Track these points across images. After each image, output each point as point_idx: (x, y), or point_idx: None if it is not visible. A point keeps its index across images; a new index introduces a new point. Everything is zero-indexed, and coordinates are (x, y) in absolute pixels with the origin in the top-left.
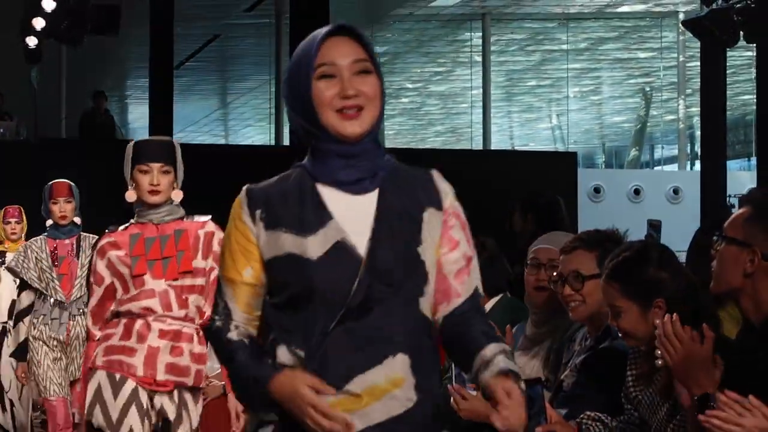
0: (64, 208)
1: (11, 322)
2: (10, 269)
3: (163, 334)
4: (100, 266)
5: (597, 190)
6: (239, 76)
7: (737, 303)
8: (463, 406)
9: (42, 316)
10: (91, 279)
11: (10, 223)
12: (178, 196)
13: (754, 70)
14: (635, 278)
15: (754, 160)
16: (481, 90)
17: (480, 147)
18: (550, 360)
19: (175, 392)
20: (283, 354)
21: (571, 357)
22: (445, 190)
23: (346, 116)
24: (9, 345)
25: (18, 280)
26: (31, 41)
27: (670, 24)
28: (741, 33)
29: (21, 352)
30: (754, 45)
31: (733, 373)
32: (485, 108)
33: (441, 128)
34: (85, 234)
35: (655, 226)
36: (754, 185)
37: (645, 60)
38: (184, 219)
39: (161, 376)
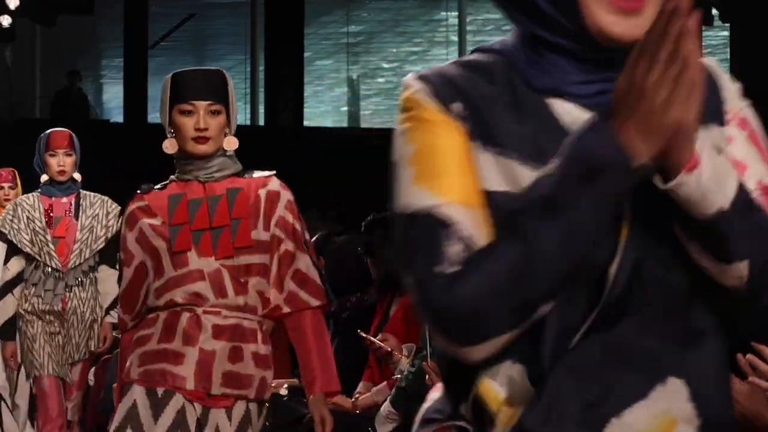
0: (63, 162)
1: None
2: None
3: (218, 331)
4: (130, 240)
5: None
6: (215, 56)
7: None
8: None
9: (33, 287)
10: (121, 256)
11: (2, 188)
12: (232, 144)
13: (728, 50)
14: None
15: None
16: None
17: None
18: None
19: (235, 407)
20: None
21: None
22: (728, 87)
23: (625, 8)
24: None
25: (5, 245)
26: (5, 20)
27: None
28: (716, 12)
29: (8, 330)
30: (729, 24)
31: None
32: None
33: None
34: (85, 192)
35: None
36: None
37: None
38: (242, 175)
39: (217, 389)
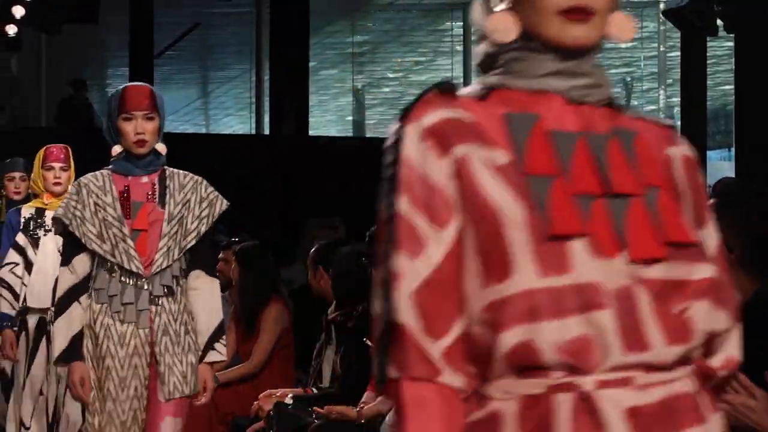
0: (142, 128)
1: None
2: (56, 219)
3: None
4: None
5: None
6: (220, 65)
7: None
8: None
9: (106, 300)
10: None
11: (53, 168)
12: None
13: (733, 61)
14: None
15: (733, 151)
16: (462, 79)
17: None
18: None
19: None
20: None
21: None
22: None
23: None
24: (53, 344)
25: (59, 238)
26: (11, 29)
27: (650, 14)
28: (721, 23)
29: (74, 349)
30: (734, 35)
31: None
32: None
33: None
34: (171, 169)
35: None
36: (733, 175)
37: (625, 50)
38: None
39: None
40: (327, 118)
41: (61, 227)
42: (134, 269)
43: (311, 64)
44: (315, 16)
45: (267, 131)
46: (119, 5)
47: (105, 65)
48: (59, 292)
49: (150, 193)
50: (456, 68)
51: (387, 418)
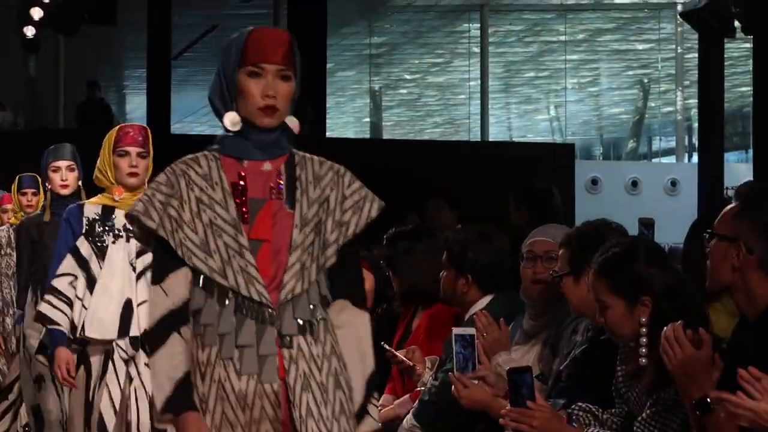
0: (274, 89)
1: (128, 346)
2: (133, 218)
3: None
4: None
5: (594, 181)
6: None
7: (734, 300)
8: (464, 395)
9: (215, 342)
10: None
11: (128, 154)
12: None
13: (751, 62)
14: (623, 274)
15: (751, 152)
16: (479, 81)
17: (478, 138)
18: (545, 353)
19: None
20: None
21: (572, 348)
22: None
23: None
24: (153, 390)
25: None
26: (29, 31)
27: (668, 15)
28: (739, 24)
29: (183, 396)
30: (752, 36)
31: (727, 371)
32: (483, 99)
33: (439, 119)
34: (302, 153)
35: (647, 225)
36: (750, 177)
37: (643, 51)
38: None
39: None
40: (344, 120)
41: (142, 231)
42: (256, 296)
43: (329, 65)
44: (332, 18)
45: None
46: (137, 6)
47: (122, 67)
48: (152, 319)
49: (273, 188)
50: (473, 69)
51: (404, 421)
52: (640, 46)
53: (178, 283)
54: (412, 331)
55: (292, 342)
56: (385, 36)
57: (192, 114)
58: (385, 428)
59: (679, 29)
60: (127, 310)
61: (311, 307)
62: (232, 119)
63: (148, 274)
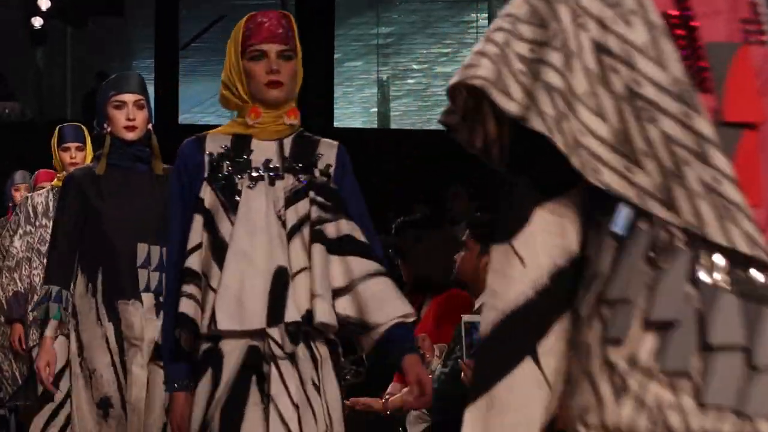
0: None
1: (284, 338)
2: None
3: None
4: None
5: None
6: None
7: None
8: None
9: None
10: None
11: (265, 56)
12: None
13: None
14: None
15: None
16: None
17: None
18: None
19: None
20: None
21: None
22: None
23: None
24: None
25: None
26: (37, 22)
27: None
28: None
29: None
30: None
31: None
32: None
33: None
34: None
35: None
36: None
37: None
38: None
39: None
40: (352, 110)
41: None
42: (745, 248)
43: (336, 55)
44: (340, 8)
45: None
46: None
47: (130, 58)
48: (491, 315)
49: (751, 18)
50: None
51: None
52: None
53: (550, 236)
54: (421, 319)
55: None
56: (393, 26)
57: (200, 104)
58: (393, 416)
59: None
60: (279, 283)
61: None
62: None
63: (306, 231)
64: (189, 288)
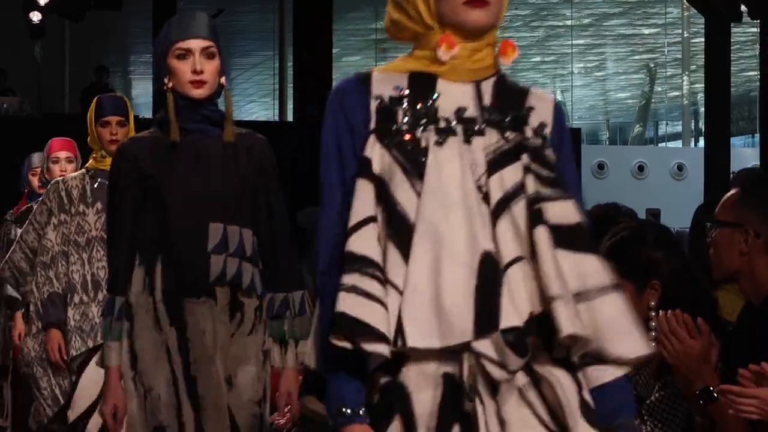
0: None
1: (503, 351)
2: None
3: None
4: None
5: (601, 166)
6: (243, 52)
7: (740, 287)
8: None
9: None
10: None
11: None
12: None
13: (758, 47)
14: (631, 258)
15: (758, 137)
16: None
17: None
18: None
19: None
20: None
21: None
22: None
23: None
24: None
25: None
26: (35, 16)
27: (674, 0)
28: (745, 9)
29: None
30: (758, 21)
31: (733, 356)
32: None
33: None
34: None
35: (654, 216)
36: (757, 162)
37: (649, 36)
38: None
39: None
40: None
41: None
42: None
43: (334, 50)
44: (338, 3)
45: (290, 118)
46: None
47: (128, 52)
48: None
49: None
50: None
51: None
52: (646, 31)
53: None
54: None
55: None
56: None
57: None
58: None
59: (685, 13)
60: (489, 276)
61: None
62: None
63: (517, 209)
64: (352, 278)
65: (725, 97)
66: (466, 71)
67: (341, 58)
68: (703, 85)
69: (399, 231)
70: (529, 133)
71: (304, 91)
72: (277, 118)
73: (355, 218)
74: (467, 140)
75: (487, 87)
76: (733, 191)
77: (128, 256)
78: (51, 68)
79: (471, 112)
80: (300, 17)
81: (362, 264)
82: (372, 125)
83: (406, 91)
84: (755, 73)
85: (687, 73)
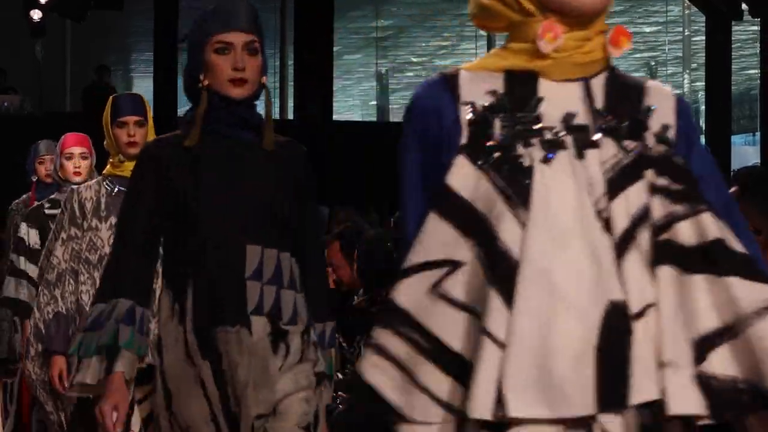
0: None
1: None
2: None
3: None
4: None
5: None
6: None
7: None
8: None
9: None
10: None
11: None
12: None
13: (758, 45)
14: None
15: (758, 135)
16: None
17: None
18: None
19: None
20: None
21: None
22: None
23: None
24: None
25: None
26: (36, 15)
27: None
28: (746, 7)
29: None
30: (759, 19)
31: None
32: None
33: None
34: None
35: None
36: (758, 160)
37: (650, 34)
38: None
39: None
40: (351, 103)
41: None
42: None
43: (335, 48)
44: (339, 1)
45: (291, 116)
46: None
47: (129, 51)
48: None
49: None
50: (480, 52)
51: None
52: (647, 29)
53: None
54: None
55: None
56: (392, 19)
57: None
58: None
59: (686, 12)
60: (616, 331)
61: None
62: None
63: (644, 238)
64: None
65: (726, 96)
66: (573, 66)
67: (342, 56)
68: (703, 84)
69: (499, 270)
70: (650, 140)
71: (304, 89)
72: (277, 116)
73: (420, 256)
74: (580, 154)
75: (599, 85)
76: (733, 189)
77: (142, 256)
78: (52, 67)
79: (582, 118)
80: (301, 16)
81: (400, 318)
82: (463, 140)
83: (503, 95)
84: (756, 71)
85: (688, 71)
